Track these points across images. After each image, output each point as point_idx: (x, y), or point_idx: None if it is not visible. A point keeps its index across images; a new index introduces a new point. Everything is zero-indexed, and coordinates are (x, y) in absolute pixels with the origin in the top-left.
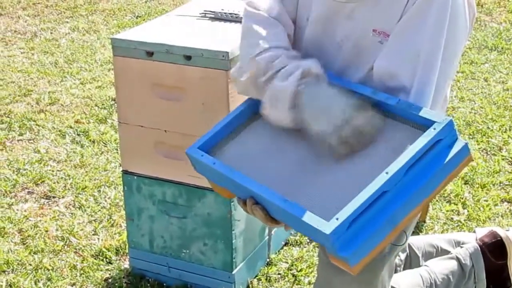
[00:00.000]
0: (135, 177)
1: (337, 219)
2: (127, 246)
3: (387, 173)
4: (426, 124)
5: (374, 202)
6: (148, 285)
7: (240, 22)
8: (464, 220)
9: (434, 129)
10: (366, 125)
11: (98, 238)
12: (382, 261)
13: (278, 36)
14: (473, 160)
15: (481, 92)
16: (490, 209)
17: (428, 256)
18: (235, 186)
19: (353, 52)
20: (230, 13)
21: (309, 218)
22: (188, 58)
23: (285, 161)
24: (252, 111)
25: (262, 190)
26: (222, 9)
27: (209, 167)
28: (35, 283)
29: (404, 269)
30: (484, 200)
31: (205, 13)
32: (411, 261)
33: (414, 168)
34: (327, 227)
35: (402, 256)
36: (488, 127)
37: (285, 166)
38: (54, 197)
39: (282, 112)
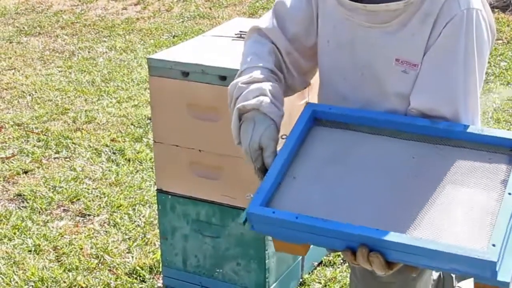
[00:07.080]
0: (170, 196)
1: (493, 245)
2: (160, 265)
3: (510, 193)
4: (503, 144)
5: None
6: None
7: None
8: None
9: None
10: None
11: (132, 257)
12: (418, 281)
13: (259, 56)
14: None
15: None
16: None
17: (461, 277)
18: (330, 237)
19: (374, 81)
20: None
21: (460, 249)
22: (223, 78)
23: (362, 192)
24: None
25: (379, 234)
26: None
27: (286, 223)
28: None
29: None
30: None
31: (240, 34)
32: (444, 282)
33: None
34: (490, 255)
35: (435, 276)
36: None
37: (365, 197)
38: (89, 215)
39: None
